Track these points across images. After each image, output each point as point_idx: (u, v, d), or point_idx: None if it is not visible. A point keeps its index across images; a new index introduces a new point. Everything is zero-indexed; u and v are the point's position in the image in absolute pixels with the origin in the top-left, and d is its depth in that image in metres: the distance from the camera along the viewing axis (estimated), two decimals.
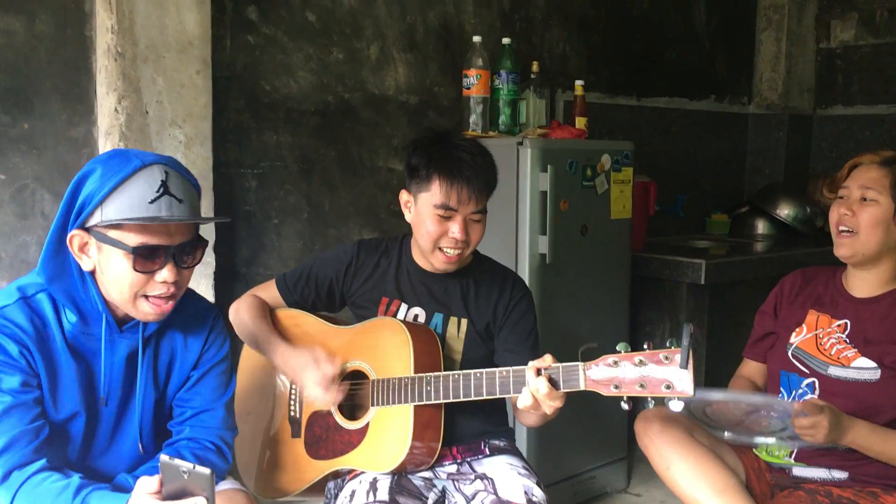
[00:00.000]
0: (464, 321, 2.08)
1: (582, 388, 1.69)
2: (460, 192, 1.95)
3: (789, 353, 2.15)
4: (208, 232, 2.64)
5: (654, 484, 3.39)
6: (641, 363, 1.63)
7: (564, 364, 1.71)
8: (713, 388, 2.08)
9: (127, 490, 1.56)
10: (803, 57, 4.68)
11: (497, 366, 1.90)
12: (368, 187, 3.21)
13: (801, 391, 2.11)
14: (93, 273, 1.63)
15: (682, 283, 3.48)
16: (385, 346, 2.00)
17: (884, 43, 4.49)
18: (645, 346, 1.64)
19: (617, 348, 1.66)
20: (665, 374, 1.61)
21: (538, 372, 1.71)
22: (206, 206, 2.68)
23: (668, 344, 1.63)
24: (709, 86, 4.49)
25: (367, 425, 1.99)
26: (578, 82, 3.47)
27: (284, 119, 2.98)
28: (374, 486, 1.93)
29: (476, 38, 3.24)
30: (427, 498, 1.96)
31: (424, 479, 2.01)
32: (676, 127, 4.33)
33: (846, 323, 2.11)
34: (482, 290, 2.10)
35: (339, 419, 2.04)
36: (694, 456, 2.01)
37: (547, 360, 1.73)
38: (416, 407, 1.91)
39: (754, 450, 2.18)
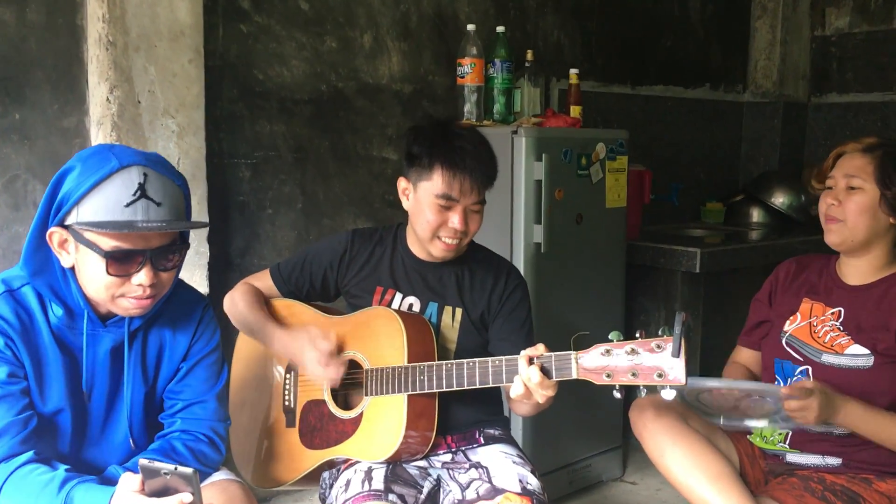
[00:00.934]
0: (458, 310, 2.07)
1: (574, 376, 1.69)
2: (463, 183, 1.95)
3: (783, 341, 2.16)
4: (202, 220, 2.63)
5: (649, 472, 3.40)
6: (633, 352, 1.63)
7: (556, 353, 1.71)
8: (706, 377, 2.08)
9: (117, 483, 1.55)
10: (798, 45, 4.68)
11: (491, 355, 1.90)
12: (363, 177, 3.20)
13: (795, 378, 2.11)
14: (73, 269, 1.61)
15: (678, 271, 3.48)
16: (379, 336, 2.00)
17: (878, 30, 4.49)
18: (637, 335, 1.64)
19: (609, 337, 1.66)
20: (657, 362, 1.61)
21: (530, 361, 1.71)
22: (200, 197, 2.67)
23: (660, 332, 1.63)
24: (704, 74, 4.49)
25: (362, 415, 1.99)
26: (573, 71, 3.46)
27: (278, 108, 2.97)
28: (369, 475, 1.93)
29: (470, 27, 3.23)
30: (422, 487, 1.96)
31: (419, 468, 2.02)
32: (671, 115, 4.33)
33: (840, 311, 2.11)
34: (477, 280, 2.10)
35: (334, 408, 2.04)
36: (688, 443, 2.02)
37: (539, 349, 1.73)
38: (409, 396, 1.91)
39: (749, 436, 2.19)
